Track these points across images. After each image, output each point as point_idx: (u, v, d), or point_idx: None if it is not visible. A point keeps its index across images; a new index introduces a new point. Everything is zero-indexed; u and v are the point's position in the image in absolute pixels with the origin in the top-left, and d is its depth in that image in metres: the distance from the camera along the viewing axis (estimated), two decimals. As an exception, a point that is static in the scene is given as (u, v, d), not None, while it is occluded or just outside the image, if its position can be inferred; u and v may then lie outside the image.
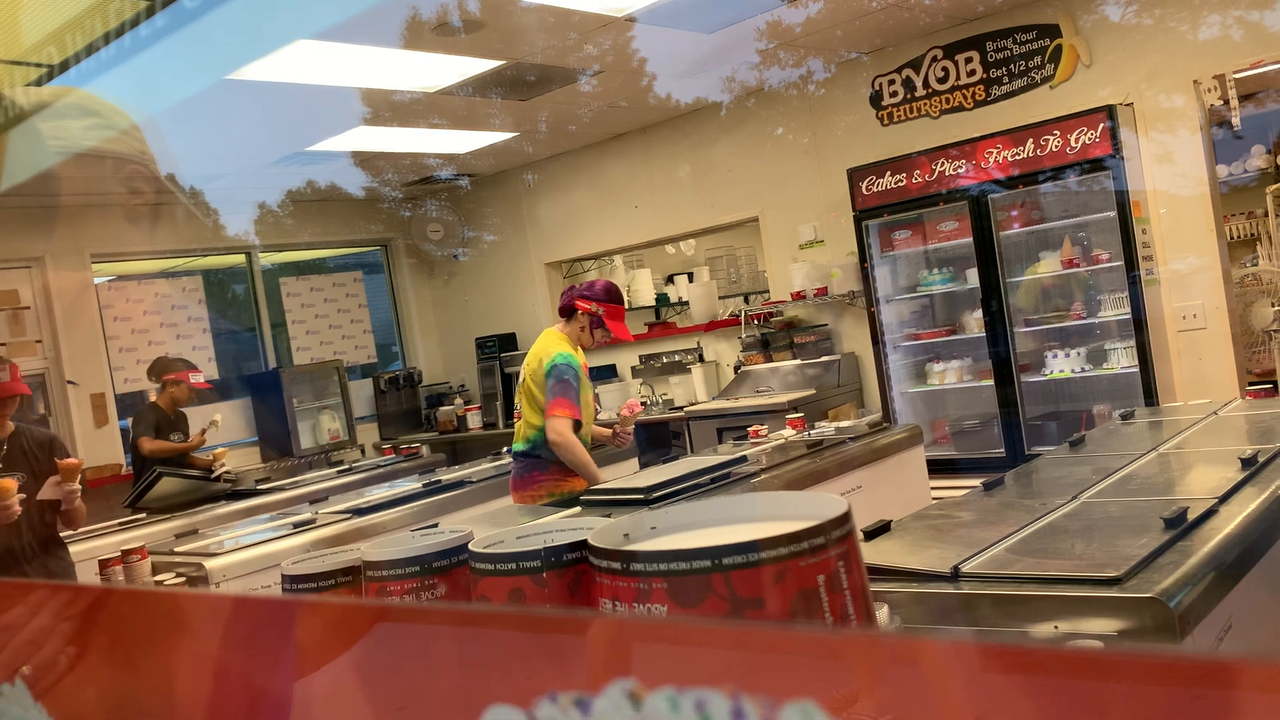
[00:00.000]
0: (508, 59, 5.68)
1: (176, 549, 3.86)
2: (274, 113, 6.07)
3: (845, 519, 0.54)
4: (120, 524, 4.84)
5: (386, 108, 6.28)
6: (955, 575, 2.11)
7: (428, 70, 5.70)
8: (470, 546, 0.86)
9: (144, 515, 5.01)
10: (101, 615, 0.81)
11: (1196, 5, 5.45)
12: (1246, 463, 2.62)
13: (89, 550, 4.18)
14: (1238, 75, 5.51)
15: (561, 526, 0.87)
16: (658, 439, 7.11)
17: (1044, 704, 0.40)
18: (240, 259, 8.41)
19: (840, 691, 0.37)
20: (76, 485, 3.69)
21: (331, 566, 1.12)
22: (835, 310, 6.97)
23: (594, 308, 3.91)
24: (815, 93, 6.87)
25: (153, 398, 5.78)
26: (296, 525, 4.06)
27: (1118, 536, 2.21)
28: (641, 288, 8.49)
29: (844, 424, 4.82)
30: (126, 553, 3.20)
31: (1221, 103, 5.63)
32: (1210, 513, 2.28)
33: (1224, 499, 2.38)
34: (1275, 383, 6.59)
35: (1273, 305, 6.69)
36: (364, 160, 7.70)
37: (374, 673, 0.51)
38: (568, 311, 3.99)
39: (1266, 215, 9.56)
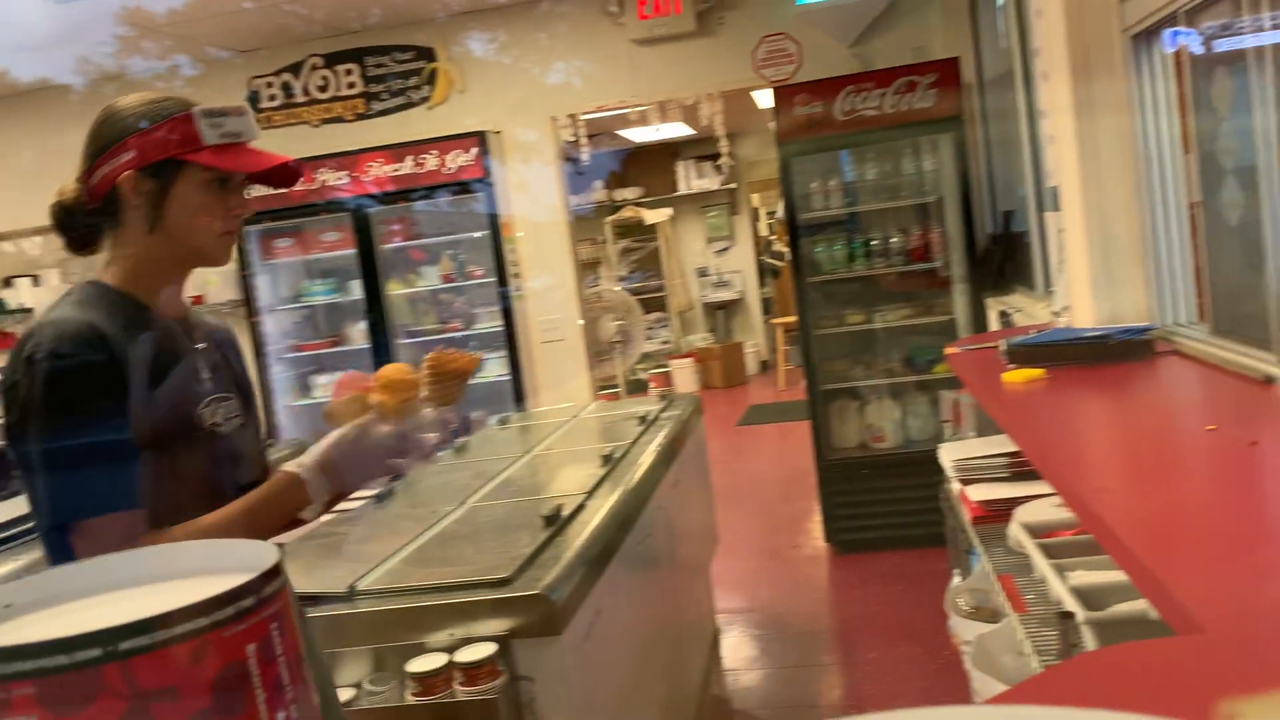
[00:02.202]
0: None
1: None
2: None
3: (278, 571, 0.46)
4: None
5: None
6: (351, 594, 2.06)
7: None
8: None
9: None
10: None
11: (545, 51, 6.06)
12: (606, 459, 2.94)
13: None
14: (586, 116, 6.24)
15: None
16: (-7, 470, 6.05)
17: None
18: None
19: None
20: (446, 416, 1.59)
21: None
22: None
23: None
24: (186, 88, 6.38)
25: None
26: None
27: (504, 537, 2.34)
28: (-31, 292, 7.16)
29: (224, 442, 4.52)
30: None
31: (572, 139, 6.32)
32: (580, 508, 2.52)
33: (590, 493, 2.65)
34: (618, 387, 7.61)
35: (614, 320, 7.69)
36: None
37: None
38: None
39: (605, 242, 11.01)
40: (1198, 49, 2.61)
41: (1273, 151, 2.15)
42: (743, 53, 5.83)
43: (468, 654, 1.88)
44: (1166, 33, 2.75)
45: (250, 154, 1.51)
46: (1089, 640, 1.67)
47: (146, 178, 1.45)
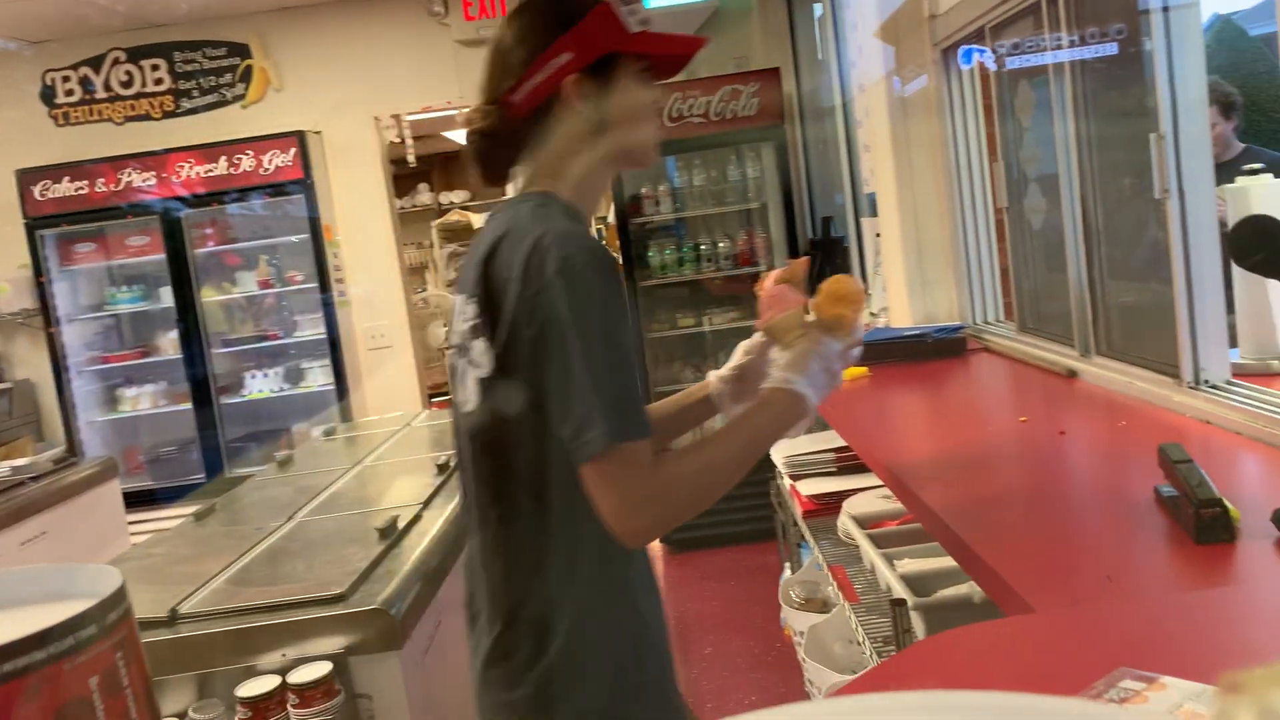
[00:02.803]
0: None
1: None
2: None
3: (121, 595, 0.41)
4: None
5: None
6: (173, 618, 1.94)
7: None
8: None
9: None
10: None
11: (367, 50, 5.90)
12: (440, 468, 2.88)
13: None
14: (410, 117, 6.10)
15: None
16: None
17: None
18: None
19: None
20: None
21: None
22: (5, 331, 6.05)
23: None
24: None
25: None
26: None
27: (337, 552, 2.26)
28: None
29: (20, 462, 4.19)
30: None
31: (399, 140, 6.17)
32: (416, 519, 2.46)
33: (426, 504, 2.58)
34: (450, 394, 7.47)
35: (444, 325, 7.55)
36: None
37: None
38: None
39: (433, 246, 10.80)
40: (994, 65, 2.78)
41: (1071, 159, 2.31)
42: (570, 57, 5.83)
43: (302, 674, 1.80)
44: (963, 49, 2.91)
45: (670, 37, 1.37)
46: (918, 625, 1.74)
47: (589, 77, 1.31)
